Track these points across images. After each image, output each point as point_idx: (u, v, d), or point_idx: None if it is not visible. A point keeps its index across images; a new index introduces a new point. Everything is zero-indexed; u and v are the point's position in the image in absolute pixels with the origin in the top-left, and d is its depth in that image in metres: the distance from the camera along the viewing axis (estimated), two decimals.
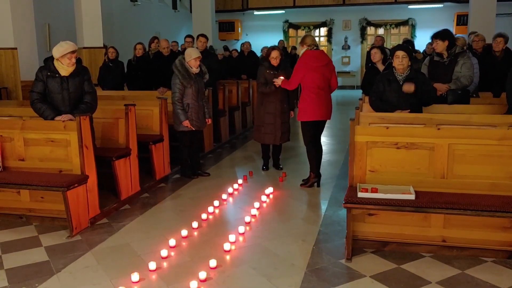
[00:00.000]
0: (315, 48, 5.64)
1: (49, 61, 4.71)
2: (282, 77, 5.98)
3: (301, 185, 5.82)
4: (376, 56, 6.20)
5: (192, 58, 5.94)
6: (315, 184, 5.78)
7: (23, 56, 8.56)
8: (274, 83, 6.04)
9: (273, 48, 6.23)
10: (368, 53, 9.92)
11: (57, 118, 4.61)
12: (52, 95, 4.67)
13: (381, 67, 6.11)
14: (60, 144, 4.62)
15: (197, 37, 8.01)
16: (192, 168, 6.38)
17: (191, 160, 6.37)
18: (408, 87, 4.66)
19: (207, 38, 8.05)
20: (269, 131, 6.28)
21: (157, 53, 8.28)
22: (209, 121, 6.36)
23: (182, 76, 5.91)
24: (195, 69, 5.99)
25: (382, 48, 6.38)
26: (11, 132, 4.75)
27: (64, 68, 4.62)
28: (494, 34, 7.05)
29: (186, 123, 5.97)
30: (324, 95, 5.59)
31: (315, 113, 5.56)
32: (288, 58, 14.21)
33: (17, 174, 4.57)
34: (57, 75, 4.64)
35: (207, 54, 7.91)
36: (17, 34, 8.52)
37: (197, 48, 7.31)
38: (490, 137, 3.77)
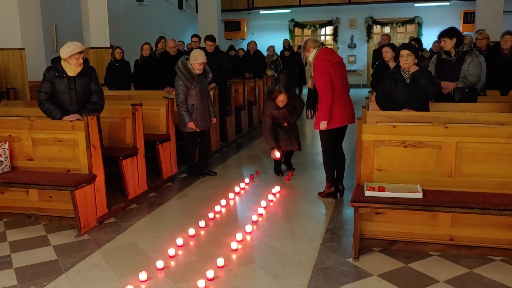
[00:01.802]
0: (324, 46, 5.12)
1: (56, 61, 4.74)
2: (277, 153, 6.00)
3: (319, 193, 5.43)
4: (388, 54, 6.17)
5: (197, 62, 5.93)
6: (332, 195, 5.31)
7: (31, 56, 8.62)
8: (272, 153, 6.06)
9: (280, 91, 5.90)
10: (375, 51, 9.93)
11: (65, 118, 4.64)
12: (60, 95, 4.69)
13: (392, 64, 6.08)
14: (68, 143, 4.65)
15: (204, 40, 7.94)
16: (199, 168, 6.39)
17: (199, 160, 6.39)
18: (413, 68, 4.69)
19: (214, 41, 7.97)
20: (284, 138, 6.19)
21: (164, 52, 8.30)
22: (214, 120, 6.37)
23: (185, 78, 5.92)
24: (197, 71, 5.99)
25: (393, 46, 6.35)
26: (20, 132, 4.79)
27: (72, 68, 4.65)
28: (501, 31, 7.01)
29: (191, 124, 5.98)
30: (346, 96, 5.13)
31: (340, 118, 5.02)
32: (294, 57, 14.26)
33: (25, 174, 4.61)
34: (64, 75, 4.66)
35: (216, 54, 7.92)
36: (25, 35, 8.58)
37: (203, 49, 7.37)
38: (498, 135, 3.75)
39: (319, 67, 4.93)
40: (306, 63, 5.30)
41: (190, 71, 5.94)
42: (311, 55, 5.04)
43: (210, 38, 7.92)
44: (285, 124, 6.23)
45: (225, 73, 8.07)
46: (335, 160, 5.30)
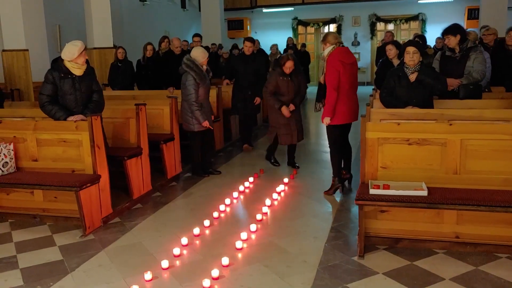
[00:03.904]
0: (342, 45, 5.30)
1: (58, 62, 4.72)
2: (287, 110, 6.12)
3: (325, 192, 5.46)
4: (392, 52, 6.17)
5: (205, 58, 6.01)
6: (339, 189, 5.44)
7: (35, 57, 8.64)
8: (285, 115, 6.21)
9: (288, 58, 6.15)
10: (379, 49, 9.90)
11: (70, 118, 4.65)
12: (65, 96, 4.68)
13: (396, 62, 6.07)
14: (72, 144, 4.66)
15: (243, 41, 7.61)
16: (203, 167, 6.40)
17: (203, 159, 6.39)
18: (412, 77, 4.68)
19: (253, 42, 7.64)
20: (285, 131, 6.28)
21: (168, 52, 8.31)
22: (213, 117, 6.44)
23: (198, 76, 5.92)
24: (204, 66, 6.05)
25: (397, 44, 6.34)
26: (24, 133, 4.81)
27: (79, 67, 4.65)
28: (506, 27, 6.97)
29: (206, 123, 6.01)
30: (352, 95, 5.30)
31: (344, 116, 5.22)
32: (298, 56, 14.23)
33: (30, 175, 4.62)
34: (69, 76, 4.67)
35: (254, 57, 7.61)
36: (28, 35, 8.60)
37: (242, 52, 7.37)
38: (503, 132, 3.73)
39: (331, 65, 5.08)
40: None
41: (201, 69, 5.98)
42: (326, 50, 5.20)
43: (249, 39, 7.62)
44: (292, 106, 6.23)
45: (262, 78, 7.43)
46: (342, 153, 5.48)
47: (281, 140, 6.36)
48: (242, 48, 7.73)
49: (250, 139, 8.03)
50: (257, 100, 7.48)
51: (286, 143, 6.38)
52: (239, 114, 7.87)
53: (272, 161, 6.75)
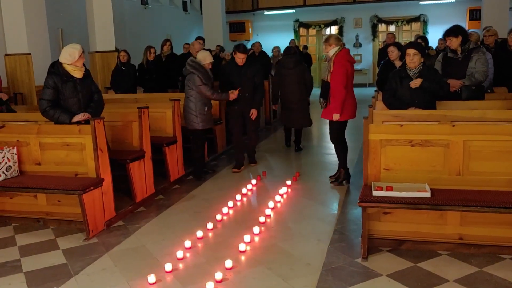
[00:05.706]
0: (344, 46, 5.72)
1: (57, 66, 4.72)
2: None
3: (331, 182, 5.90)
4: (393, 54, 6.19)
5: (208, 61, 6.16)
6: (345, 181, 5.85)
7: (37, 61, 8.66)
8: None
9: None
10: (381, 50, 9.91)
11: (76, 118, 4.65)
12: (68, 99, 4.69)
13: (398, 64, 6.08)
14: (75, 147, 4.67)
15: (234, 52, 6.36)
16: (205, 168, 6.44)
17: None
18: (415, 83, 4.69)
19: (246, 52, 6.38)
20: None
21: (170, 55, 8.34)
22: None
23: (204, 76, 6.05)
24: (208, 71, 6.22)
25: (399, 45, 6.35)
26: (27, 137, 4.82)
27: (79, 69, 4.68)
28: (507, 28, 6.96)
29: (235, 94, 6.24)
30: (353, 93, 5.74)
31: (352, 111, 5.66)
32: (300, 57, 14.23)
33: (33, 178, 4.63)
34: (70, 79, 4.68)
35: (248, 66, 6.35)
36: (31, 39, 8.62)
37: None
38: (506, 133, 3.73)
39: (340, 65, 5.43)
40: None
41: (206, 69, 6.13)
42: (332, 51, 5.51)
43: (242, 50, 6.29)
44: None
45: (260, 89, 6.57)
46: (346, 146, 5.86)
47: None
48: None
49: (254, 156, 7.04)
50: (254, 113, 6.42)
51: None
52: (236, 137, 6.71)
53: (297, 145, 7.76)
